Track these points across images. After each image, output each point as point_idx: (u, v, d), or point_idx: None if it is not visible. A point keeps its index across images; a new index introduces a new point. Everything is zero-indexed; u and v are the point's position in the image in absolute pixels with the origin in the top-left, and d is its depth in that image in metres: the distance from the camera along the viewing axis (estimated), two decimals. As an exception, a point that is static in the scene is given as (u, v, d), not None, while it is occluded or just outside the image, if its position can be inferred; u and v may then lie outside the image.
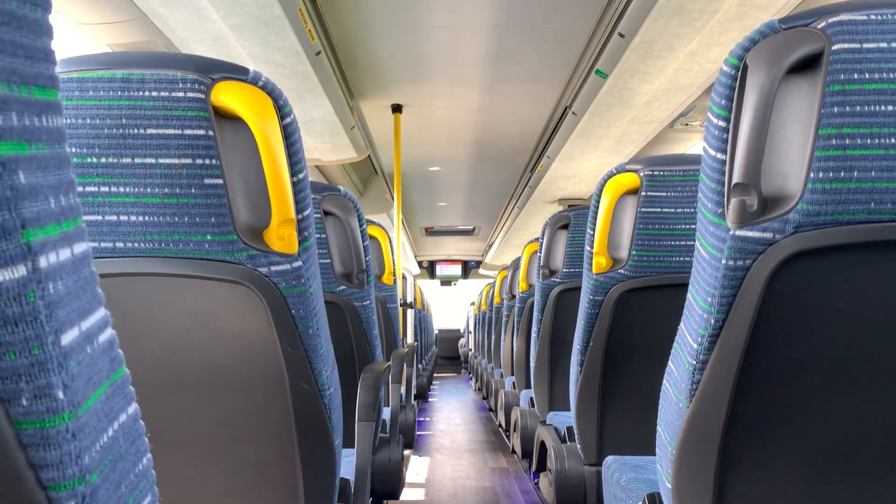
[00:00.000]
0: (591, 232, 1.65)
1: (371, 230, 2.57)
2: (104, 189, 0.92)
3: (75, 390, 0.34)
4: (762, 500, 0.99)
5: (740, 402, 0.94)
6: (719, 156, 0.87)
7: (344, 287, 1.76)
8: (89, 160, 0.91)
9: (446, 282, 14.05)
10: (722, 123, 0.87)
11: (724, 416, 0.94)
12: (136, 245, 0.95)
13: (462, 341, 12.15)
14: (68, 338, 0.33)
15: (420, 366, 6.35)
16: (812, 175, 0.81)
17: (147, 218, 0.94)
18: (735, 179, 0.85)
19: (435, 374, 10.41)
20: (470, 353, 9.41)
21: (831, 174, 0.81)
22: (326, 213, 1.71)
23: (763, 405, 0.95)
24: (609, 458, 1.61)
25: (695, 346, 0.94)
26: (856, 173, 0.80)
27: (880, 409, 0.93)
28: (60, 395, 0.33)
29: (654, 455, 1.14)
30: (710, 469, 0.98)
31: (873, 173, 0.80)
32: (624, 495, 1.40)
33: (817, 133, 0.81)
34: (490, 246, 11.65)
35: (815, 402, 0.93)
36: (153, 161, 0.92)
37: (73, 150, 0.91)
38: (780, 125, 0.84)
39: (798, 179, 0.83)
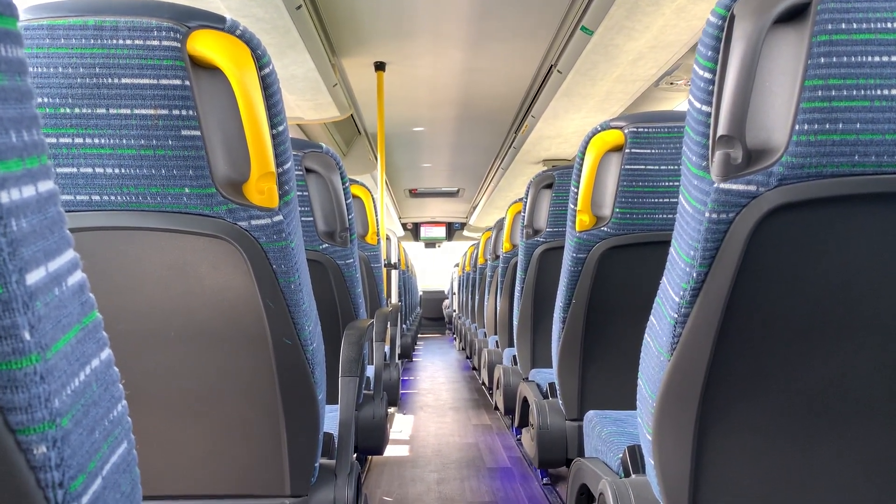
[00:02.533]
0: (575, 190, 1.64)
1: (354, 190, 2.55)
2: (78, 140, 0.90)
3: (43, 332, 0.33)
4: (741, 452, 1.01)
5: (721, 355, 0.95)
6: (704, 108, 0.86)
7: (327, 245, 1.75)
8: (62, 111, 0.89)
9: (431, 244, 14.05)
10: (708, 75, 0.86)
11: (705, 369, 0.95)
12: (112, 198, 0.93)
13: (446, 303, 12.21)
14: (34, 277, 0.32)
15: (404, 326, 6.39)
16: (797, 127, 0.81)
17: (123, 170, 0.92)
18: (720, 132, 0.84)
19: (419, 335, 10.48)
20: (454, 314, 9.47)
21: (816, 126, 0.80)
22: (308, 171, 1.69)
23: (744, 358, 0.96)
24: (590, 413, 1.64)
25: (676, 299, 0.94)
26: (841, 125, 0.80)
27: (861, 362, 0.94)
28: (27, 335, 0.32)
29: (635, 410, 1.15)
30: (689, 421, 1.00)
31: (858, 125, 0.80)
32: (605, 448, 1.42)
33: (803, 84, 0.80)
34: (474, 208, 11.63)
35: (796, 356, 0.94)
36: (128, 112, 0.90)
37: (46, 100, 0.89)
38: (767, 77, 0.83)
39: (783, 132, 0.82)
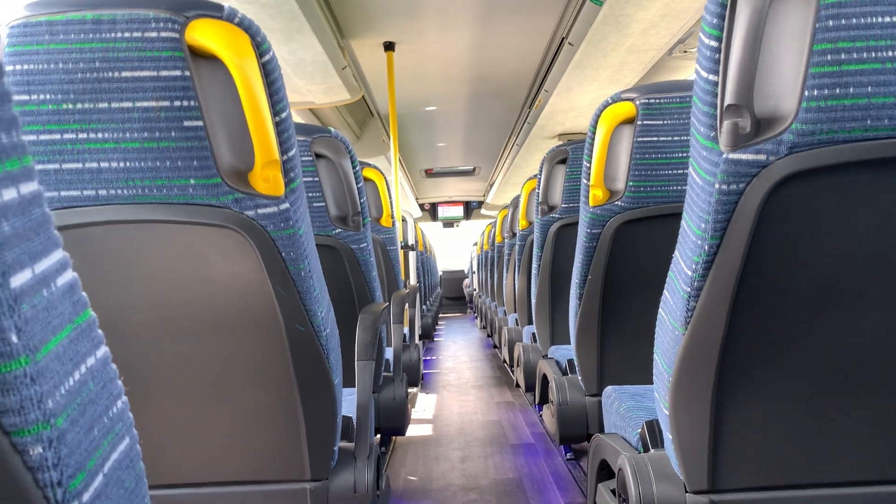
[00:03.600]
0: (588, 164, 1.62)
1: (367, 172, 2.54)
2: (82, 136, 0.91)
3: (31, 334, 0.33)
4: (758, 423, 1.01)
5: (735, 327, 0.94)
6: (711, 77, 0.85)
7: (340, 230, 1.75)
8: (65, 106, 0.89)
9: (449, 223, 14.03)
10: (714, 43, 0.84)
11: (720, 341, 0.94)
12: (119, 192, 0.93)
13: (466, 282, 12.22)
14: (19, 280, 0.32)
15: (424, 307, 6.40)
16: (806, 93, 0.79)
17: (128, 164, 0.92)
18: (728, 101, 0.83)
19: (441, 315, 10.51)
20: (474, 293, 9.49)
21: (826, 91, 0.78)
22: (318, 156, 1.69)
23: (758, 329, 0.94)
24: (609, 388, 1.63)
25: (689, 272, 0.93)
26: (851, 89, 0.78)
27: (875, 329, 0.93)
28: (14, 338, 0.32)
29: (653, 384, 1.15)
30: (706, 394, 0.99)
31: (869, 88, 0.78)
32: (623, 423, 1.42)
33: (812, 49, 0.78)
34: (491, 185, 11.58)
35: (811, 324, 0.93)
36: (130, 105, 0.90)
37: (48, 96, 0.89)
38: (774, 42, 0.81)
39: (792, 98, 0.80)
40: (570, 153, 2.38)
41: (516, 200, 3.88)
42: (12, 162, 0.32)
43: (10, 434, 0.33)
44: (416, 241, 5.98)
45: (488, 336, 6.78)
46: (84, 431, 0.37)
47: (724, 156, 0.84)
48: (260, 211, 0.96)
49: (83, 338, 0.38)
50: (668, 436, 1.08)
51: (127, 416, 0.43)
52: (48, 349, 0.34)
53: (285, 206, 0.98)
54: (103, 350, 0.40)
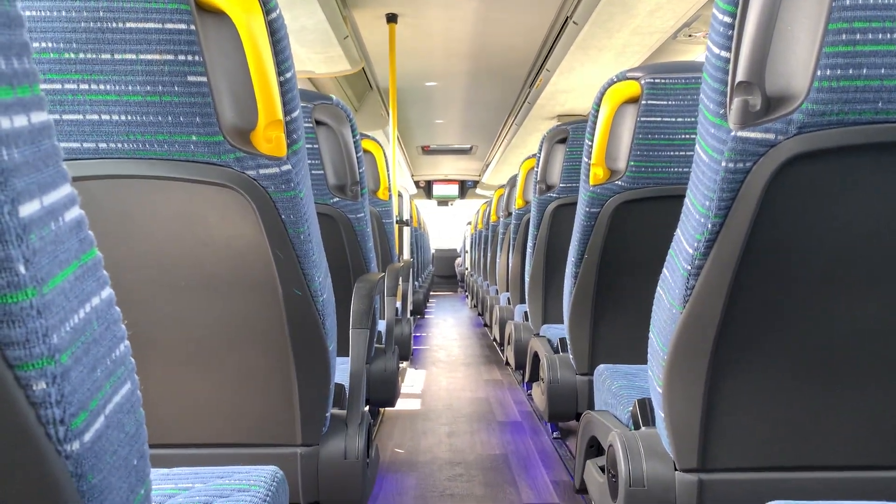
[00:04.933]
0: (590, 143, 1.61)
1: (365, 144, 2.52)
2: (84, 87, 0.89)
3: (38, 266, 0.32)
4: (751, 403, 1.01)
5: (734, 307, 0.94)
6: (723, 54, 0.84)
7: (338, 199, 1.74)
8: (67, 55, 0.88)
9: (443, 202, 14.00)
10: (727, 19, 0.83)
11: (718, 321, 0.95)
12: (119, 146, 0.92)
13: (458, 261, 12.23)
14: (28, 210, 0.32)
15: (416, 283, 6.41)
16: (819, 73, 0.78)
17: (129, 117, 0.90)
18: (739, 78, 0.82)
19: (432, 293, 10.52)
20: (466, 272, 9.50)
21: (839, 71, 0.78)
22: (318, 123, 1.67)
23: (757, 310, 0.94)
24: (601, 367, 1.64)
25: (690, 251, 0.93)
26: (865, 70, 0.77)
27: (874, 315, 0.93)
28: (21, 269, 0.31)
29: (645, 364, 1.15)
30: (700, 373, 0.99)
31: (882, 70, 0.77)
32: (615, 401, 1.43)
33: (827, 28, 0.77)
34: (487, 165, 11.55)
35: (810, 307, 0.93)
36: (133, 57, 0.88)
37: (49, 44, 0.87)
38: (789, 20, 0.80)
39: (804, 77, 0.80)
40: (570, 132, 2.36)
41: (513, 179, 3.87)
42: (23, 89, 0.31)
43: (14, 368, 0.32)
44: (411, 217, 5.97)
45: (479, 315, 6.80)
46: (87, 371, 0.37)
47: (733, 133, 0.83)
48: (262, 171, 0.95)
49: (89, 276, 0.38)
50: (659, 414, 1.09)
51: (129, 361, 0.42)
52: (55, 283, 0.34)
53: (287, 167, 0.97)
54: (108, 291, 0.40)
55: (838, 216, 0.86)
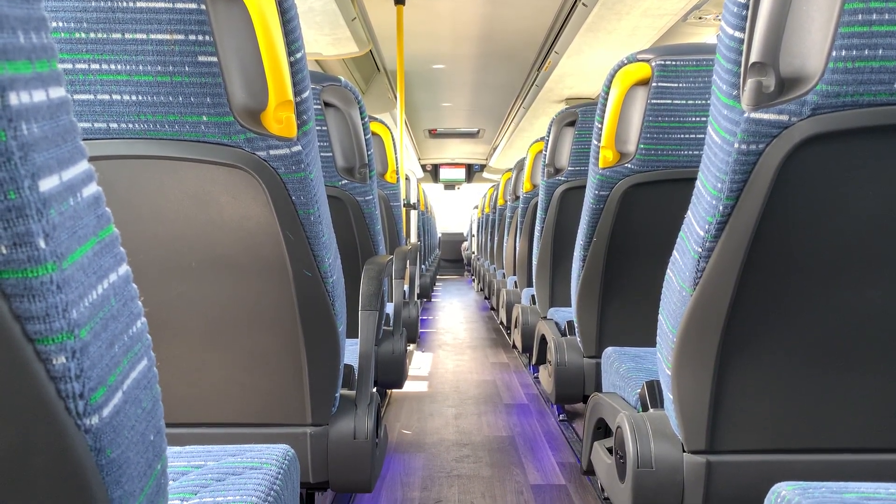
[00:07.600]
0: (599, 125, 1.60)
1: (374, 127, 2.51)
2: (94, 66, 0.89)
3: (58, 241, 0.32)
4: (759, 386, 1.01)
5: (744, 289, 0.94)
6: (737, 34, 0.83)
7: (346, 181, 1.74)
8: (77, 35, 0.87)
9: (450, 186, 13.97)
10: (742, 0, 0.82)
11: (728, 303, 0.94)
12: (130, 126, 0.92)
13: (465, 245, 12.23)
14: (47, 184, 0.32)
15: (423, 266, 6.42)
16: (834, 53, 0.77)
17: (140, 97, 0.90)
18: (753, 59, 0.81)
19: (438, 277, 10.54)
20: (473, 256, 9.50)
21: (854, 52, 0.77)
22: (327, 105, 1.66)
23: (767, 293, 0.94)
24: (609, 349, 1.64)
25: (701, 233, 0.92)
26: (881, 51, 0.76)
27: (885, 298, 0.93)
28: (42, 243, 0.31)
29: (653, 347, 1.15)
30: (710, 355, 0.99)
31: None
32: (622, 383, 1.43)
33: (843, 8, 0.76)
34: (495, 149, 11.50)
35: (821, 290, 0.93)
36: (144, 37, 0.88)
37: (60, 24, 0.87)
38: (804, 0, 0.79)
39: (819, 58, 0.79)
40: (579, 115, 2.35)
41: (521, 163, 3.86)
42: (42, 63, 0.31)
43: (35, 342, 0.33)
44: (418, 201, 5.96)
45: (485, 298, 6.81)
46: (105, 346, 0.37)
47: (746, 115, 0.83)
48: (272, 152, 0.95)
49: (106, 252, 0.38)
50: (668, 396, 1.09)
51: (146, 337, 0.43)
52: (74, 258, 0.34)
53: (297, 148, 0.96)
54: (125, 267, 0.40)
55: (851, 198, 0.86)
